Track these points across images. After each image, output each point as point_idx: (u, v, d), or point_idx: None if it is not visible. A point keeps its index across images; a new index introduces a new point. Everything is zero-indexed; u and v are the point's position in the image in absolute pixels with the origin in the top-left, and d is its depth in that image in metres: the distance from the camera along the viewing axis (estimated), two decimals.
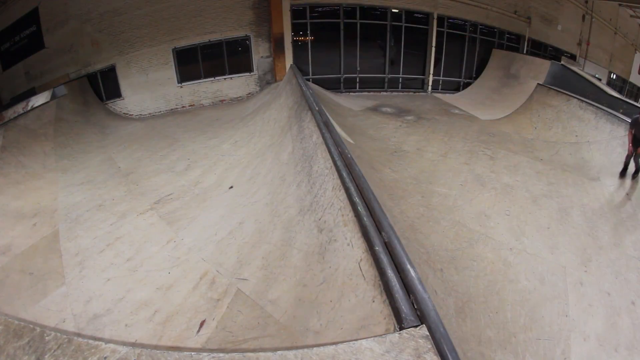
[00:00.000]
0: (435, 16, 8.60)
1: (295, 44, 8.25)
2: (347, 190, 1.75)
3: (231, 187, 3.33)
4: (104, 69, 8.06)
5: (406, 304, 1.05)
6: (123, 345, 0.83)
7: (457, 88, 9.33)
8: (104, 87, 8.15)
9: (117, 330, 1.99)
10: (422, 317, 1.01)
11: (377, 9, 8.39)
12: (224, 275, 2.17)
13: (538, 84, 6.24)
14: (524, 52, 9.51)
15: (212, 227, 2.74)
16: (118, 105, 8.23)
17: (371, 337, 0.91)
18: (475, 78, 9.28)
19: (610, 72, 11.45)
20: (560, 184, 3.62)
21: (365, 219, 1.49)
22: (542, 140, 4.78)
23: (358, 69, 8.62)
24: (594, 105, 4.68)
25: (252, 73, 8.41)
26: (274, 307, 1.74)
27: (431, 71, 9.00)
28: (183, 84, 8.30)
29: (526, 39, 9.66)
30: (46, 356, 0.81)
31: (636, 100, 8.71)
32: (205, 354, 0.82)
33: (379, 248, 1.31)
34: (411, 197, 3.03)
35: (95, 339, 0.85)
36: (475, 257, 2.43)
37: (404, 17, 8.47)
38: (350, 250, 1.50)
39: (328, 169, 2.11)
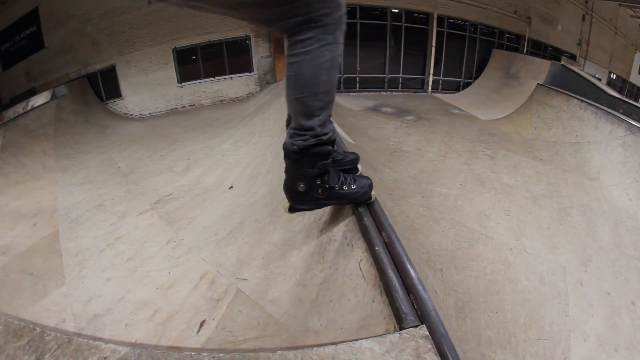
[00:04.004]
0: (435, 16, 8.60)
1: None
2: None
3: (231, 187, 3.33)
4: (104, 69, 8.07)
5: (406, 304, 1.05)
6: (123, 345, 0.83)
7: (457, 88, 9.33)
8: (104, 87, 8.15)
9: (117, 330, 1.99)
10: (422, 317, 1.01)
11: (377, 9, 8.39)
12: (224, 275, 2.17)
13: (538, 84, 6.25)
14: (524, 52, 9.52)
15: (212, 227, 2.74)
16: (118, 105, 8.24)
17: (371, 337, 0.91)
18: (475, 78, 9.28)
19: (610, 72, 11.45)
20: (560, 184, 3.62)
21: (365, 219, 1.49)
22: (542, 140, 4.78)
23: (358, 68, 8.62)
24: (594, 105, 4.68)
25: (252, 73, 8.41)
26: (274, 307, 1.74)
27: (431, 71, 9.00)
28: (183, 84, 8.30)
29: (526, 39, 9.67)
30: (46, 356, 0.81)
31: (636, 100, 8.71)
32: (205, 354, 0.82)
33: (379, 248, 1.30)
34: (411, 197, 3.03)
35: (95, 339, 0.85)
36: (475, 257, 2.43)
37: (404, 17, 8.47)
38: (350, 250, 1.50)
39: None
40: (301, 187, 1.37)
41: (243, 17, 1.28)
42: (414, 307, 1.04)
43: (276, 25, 1.17)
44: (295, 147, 1.29)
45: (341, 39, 1.17)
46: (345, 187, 1.47)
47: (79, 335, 0.86)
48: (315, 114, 1.24)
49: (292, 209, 1.49)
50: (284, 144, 1.36)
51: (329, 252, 1.66)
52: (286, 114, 1.46)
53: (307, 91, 1.19)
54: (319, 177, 1.39)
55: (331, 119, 1.35)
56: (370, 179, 1.57)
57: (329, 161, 1.38)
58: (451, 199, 3.13)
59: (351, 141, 3.64)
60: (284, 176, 1.46)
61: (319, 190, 1.40)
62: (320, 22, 1.09)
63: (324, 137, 1.30)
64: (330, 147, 1.36)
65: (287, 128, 1.61)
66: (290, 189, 1.41)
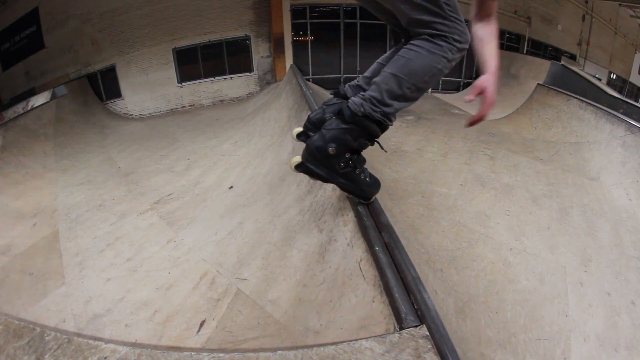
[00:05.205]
0: None
1: (295, 44, 8.25)
2: None
3: (231, 187, 3.33)
4: (104, 69, 8.07)
5: (406, 304, 1.05)
6: (123, 345, 0.83)
7: (457, 88, 9.33)
8: (104, 87, 8.16)
9: (117, 330, 1.99)
10: (422, 317, 1.01)
11: None
12: (224, 275, 2.17)
13: (538, 84, 6.24)
14: (524, 52, 9.51)
15: (212, 227, 2.74)
16: (118, 105, 8.24)
17: (371, 337, 0.91)
18: (475, 78, 9.27)
19: (610, 72, 11.45)
20: (560, 184, 3.62)
21: (365, 219, 1.49)
22: (542, 140, 4.78)
23: (358, 69, 8.63)
24: (594, 105, 4.68)
25: (252, 73, 8.41)
26: (274, 307, 1.74)
27: None
28: (183, 84, 8.30)
29: (526, 39, 9.67)
30: (46, 356, 0.81)
31: (636, 100, 8.72)
32: (205, 354, 0.82)
33: (378, 248, 1.31)
34: (411, 197, 3.03)
35: (95, 339, 0.85)
36: (475, 257, 2.43)
37: None
38: (350, 250, 1.50)
39: None
40: (332, 149, 1.36)
41: (388, 10, 1.42)
42: (414, 307, 1.04)
43: (414, 27, 1.31)
44: (362, 110, 1.33)
45: (452, 65, 1.33)
46: (362, 175, 1.50)
47: (79, 335, 0.86)
48: (398, 99, 1.35)
49: (300, 166, 1.43)
50: (349, 101, 1.36)
51: (329, 252, 1.66)
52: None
53: (408, 76, 1.31)
54: (352, 152, 1.41)
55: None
56: (379, 182, 1.58)
57: (369, 144, 1.44)
58: (451, 199, 3.13)
59: None
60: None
61: (342, 164, 1.41)
62: (452, 43, 1.29)
63: (387, 122, 1.39)
64: (380, 134, 1.42)
65: (333, 99, 1.68)
66: (318, 147, 1.38)
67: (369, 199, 1.57)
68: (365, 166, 1.53)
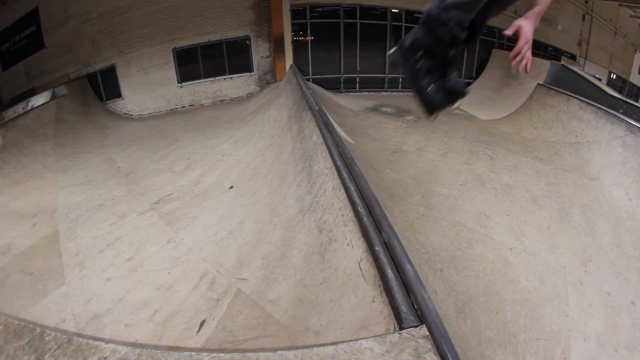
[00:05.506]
0: None
1: (295, 44, 8.24)
2: (347, 190, 1.76)
3: (231, 187, 3.33)
4: (104, 69, 8.06)
5: (406, 304, 1.05)
6: (123, 345, 0.83)
7: None
8: (104, 87, 8.15)
9: (117, 330, 1.99)
10: (422, 317, 1.01)
11: (377, 9, 8.39)
12: (224, 275, 2.17)
13: (538, 84, 6.24)
14: None
15: (212, 227, 2.74)
16: (118, 105, 8.23)
17: (371, 337, 0.91)
18: (475, 78, 9.28)
19: (610, 72, 11.45)
20: (560, 184, 3.62)
21: (365, 219, 1.49)
22: (542, 140, 4.78)
23: (358, 69, 8.62)
24: (594, 105, 4.68)
25: (252, 73, 8.40)
26: (274, 307, 1.74)
27: None
28: (183, 84, 8.29)
29: None
30: (46, 356, 0.81)
31: (636, 100, 8.71)
32: (205, 354, 0.82)
33: (379, 248, 1.31)
34: (411, 197, 3.03)
35: (95, 339, 0.85)
36: (475, 257, 2.43)
37: (404, 17, 8.47)
38: (350, 250, 1.50)
39: (328, 169, 2.11)
40: (407, 43, 1.52)
41: None
42: (414, 307, 1.04)
43: None
44: (428, 8, 1.46)
45: None
46: (426, 82, 1.55)
47: (79, 335, 0.86)
48: None
49: (394, 53, 1.57)
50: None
51: (329, 252, 1.66)
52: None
53: None
54: (425, 52, 1.51)
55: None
56: (446, 102, 1.57)
57: (440, 52, 1.51)
58: (451, 199, 3.13)
59: (351, 141, 3.64)
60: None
61: (414, 61, 1.52)
62: None
63: (442, 16, 1.42)
64: (446, 37, 1.47)
65: None
66: (402, 40, 1.54)
67: (429, 113, 1.59)
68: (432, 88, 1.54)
